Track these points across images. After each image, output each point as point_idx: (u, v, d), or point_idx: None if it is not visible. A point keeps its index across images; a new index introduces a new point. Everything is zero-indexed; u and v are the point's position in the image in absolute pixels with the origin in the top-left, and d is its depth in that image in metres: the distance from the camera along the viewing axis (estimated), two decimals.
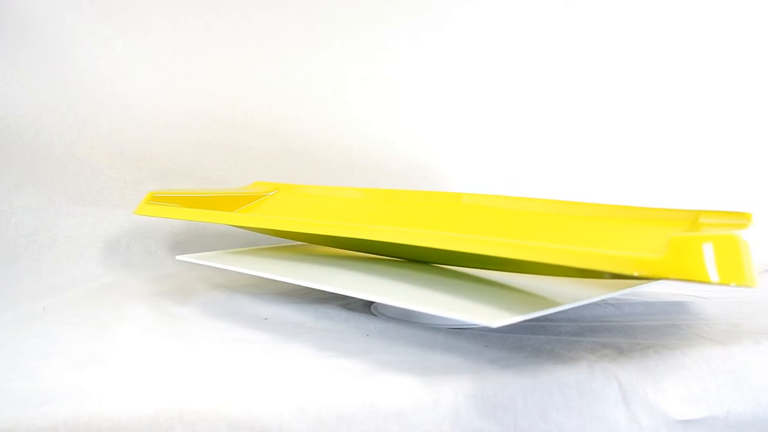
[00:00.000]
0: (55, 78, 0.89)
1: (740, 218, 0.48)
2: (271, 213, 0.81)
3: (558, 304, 0.48)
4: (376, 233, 0.53)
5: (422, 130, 1.05)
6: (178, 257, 0.69)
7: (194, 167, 0.93)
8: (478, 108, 1.06)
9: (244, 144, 0.96)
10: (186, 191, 0.80)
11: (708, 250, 0.35)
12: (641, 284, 0.55)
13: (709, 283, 0.35)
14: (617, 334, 0.54)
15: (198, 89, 0.95)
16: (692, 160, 1.08)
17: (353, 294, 0.50)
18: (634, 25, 1.08)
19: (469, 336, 0.53)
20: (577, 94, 1.08)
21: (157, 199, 0.76)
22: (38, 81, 0.88)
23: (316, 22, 1.00)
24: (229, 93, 0.97)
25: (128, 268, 0.84)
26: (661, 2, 1.08)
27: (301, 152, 0.98)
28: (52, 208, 0.86)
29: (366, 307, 0.63)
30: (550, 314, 0.60)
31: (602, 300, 0.65)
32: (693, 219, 0.54)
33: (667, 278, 0.37)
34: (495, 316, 0.42)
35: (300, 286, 0.64)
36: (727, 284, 0.35)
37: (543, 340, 0.51)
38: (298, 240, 0.79)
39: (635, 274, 0.37)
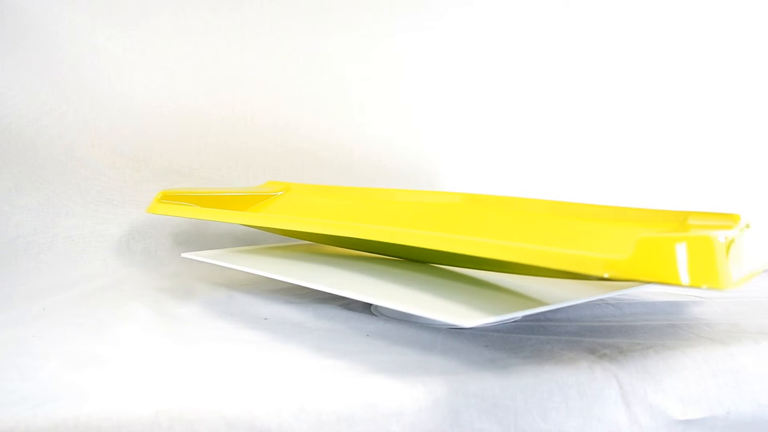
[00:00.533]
0: (55, 78, 0.89)
1: (728, 220, 0.47)
2: (281, 212, 0.81)
3: (542, 305, 0.48)
4: (359, 232, 0.54)
5: (422, 130, 1.05)
6: (184, 254, 0.70)
7: (194, 167, 0.93)
8: (479, 108, 1.06)
9: (244, 144, 0.96)
10: (197, 190, 0.81)
11: (681, 251, 0.34)
12: (631, 286, 0.55)
13: (680, 285, 0.35)
14: (617, 334, 0.54)
15: (198, 89, 0.95)
16: (692, 160, 1.08)
17: (331, 290, 0.52)
18: (632, 26, 1.08)
19: (469, 336, 0.53)
20: (577, 94, 1.08)
21: (168, 197, 0.76)
22: (38, 81, 0.88)
23: (316, 22, 1.00)
24: (229, 93, 0.97)
25: (128, 268, 0.84)
26: (657, 4, 1.08)
27: (302, 152, 0.98)
28: (52, 208, 0.86)
29: (366, 307, 0.63)
30: (551, 315, 0.60)
31: (601, 300, 0.65)
32: (682, 220, 0.54)
33: (636, 280, 0.36)
34: (469, 317, 0.42)
35: (300, 285, 0.64)
36: (698, 287, 0.34)
37: (543, 340, 0.51)
38: (306, 239, 0.79)
39: (606, 275, 0.36)
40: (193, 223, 0.91)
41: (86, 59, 0.90)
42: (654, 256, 0.35)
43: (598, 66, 1.08)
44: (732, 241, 0.37)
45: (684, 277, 0.34)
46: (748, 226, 0.43)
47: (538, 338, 0.52)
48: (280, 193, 0.86)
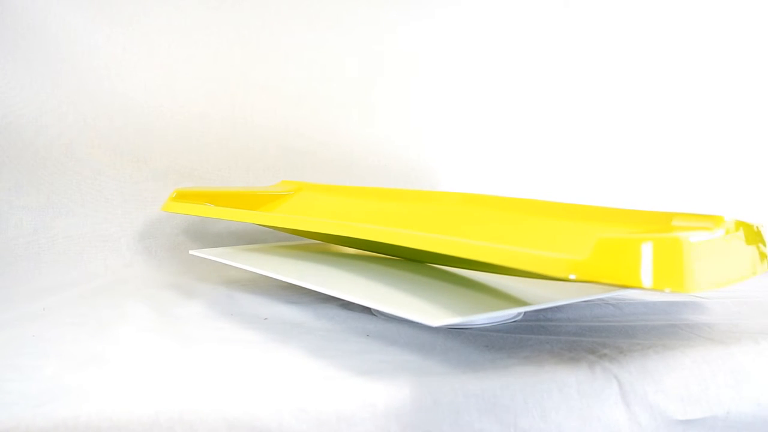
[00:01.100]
0: (55, 78, 0.89)
1: (711, 221, 0.46)
2: (294, 212, 0.82)
3: (522, 305, 0.49)
4: (349, 231, 0.55)
5: (423, 130, 1.05)
6: (192, 252, 0.71)
7: (194, 167, 0.93)
8: (478, 108, 1.06)
9: (244, 144, 0.96)
10: (211, 188, 0.81)
11: (639, 252, 0.33)
12: (613, 290, 0.54)
13: (641, 288, 0.33)
14: (617, 334, 0.54)
15: (198, 89, 0.95)
16: (692, 160, 1.08)
17: (316, 288, 0.53)
18: (631, 26, 1.08)
19: (469, 336, 0.53)
20: (578, 94, 1.08)
21: (182, 196, 0.76)
22: (38, 81, 0.88)
23: (316, 22, 1.00)
24: (230, 93, 0.97)
25: (128, 268, 0.84)
26: (653, 6, 1.08)
27: (302, 152, 0.98)
28: (52, 208, 0.86)
29: (366, 307, 0.63)
30: (551, 315, 0.60)
31: (601, 300, 0.65)
32: (666, 221, 0.53)
33: (596, 282, 0.35)
34: (435, 316, 0.43)
35: (301, 285, 0.65)
36: (660, 290, 0.33)
37: (543, 340, 0.51)
38: (314, 239, 0.79)
39: (571, 277, 0.36)
40: (193, 222, 0.91)
41: (86, 59, 0.90)
42: (612, 257, 0.34)
43: (597, 66, 1.08)
44: (707, 243, 0.36)
45: (646, 280, 0.33)
46: (731, 229, 0.42)
47: (538, 338, 0.52)
48: (291, 193, 0.87)
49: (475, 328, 0.55)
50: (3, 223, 0.83)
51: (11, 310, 0.62)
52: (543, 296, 0.51)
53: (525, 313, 0.60)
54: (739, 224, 0.44)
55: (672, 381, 0.45)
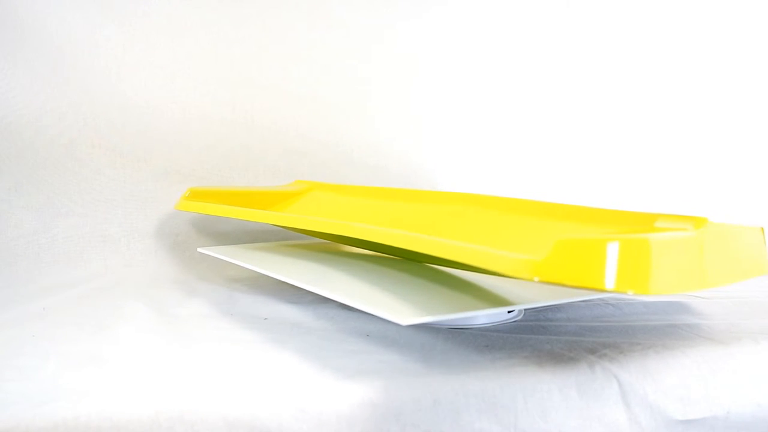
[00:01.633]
0: (55, 78, 0.89)
1: (693, 222, 0.45)
2: (305, 212, 0.82)
3: (502, 305, 0.49)
4: (342, 230, 0.56)
5: (423, 130, 1.05)
6: (200, 250, 0.73)
7: (194, 167, 0.93)
8: (478, 108, 1.06)
9: (244, 144, 0.96)
10: (223, 188, 0.81)
11: (609, 252, 0.32)
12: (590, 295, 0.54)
13: (603, 290, 0.32)
14: (617, 334, 0.54)
15: (198, 89, 0.95)
16: (691, 160, 1.08)
17: (304, 287, 0.54)
18: (631, 26, 1.08)
19: (469, 336, 0.53)
20: (577, 94, 1.08)
21: (195, 194, 0.76)
22: (38, 81, 0.88)
23: (316, 22, 1.00)
24: (230, 93, 0.97)
25: (128, 268, 0.84)
26: (652, 8, 1.08)
27: (302, 152, 0.98)
28: (52, 208, 0.86)
29: None
30: (551, 314, 0.60)
31: (601, 300, 0.65)
32: (649, 222, 0.52)
33: (560, 284, 0.34)
34: (404, 314, 0.43)
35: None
36: (623, 292, 0.32)
37: (543, 340, 0.51)
38: (320, 238, 0.80)
39: (536, 279, 0.35)
40: (194, 222, 0.91)
41: (86, 59, 0.90)
42: (570, 259, 0.34)
43: (597, 66, 1.08)
44: (672, 244, 0.35)
45: (608, 282, 0.32)
46: (708, 231, 0.41)
47: (538, 338, 0.52)
48: (303, 192, 0.87)
49: (475, 328, 0.55)
50: (3, 223, 0.83)
51: (11, 310, 0.62)
52: (527, 297, 0.51)
53: (525, 313, 0.60)
54: (719, 226, 0.43)
55: (672, 381, 0.45)
